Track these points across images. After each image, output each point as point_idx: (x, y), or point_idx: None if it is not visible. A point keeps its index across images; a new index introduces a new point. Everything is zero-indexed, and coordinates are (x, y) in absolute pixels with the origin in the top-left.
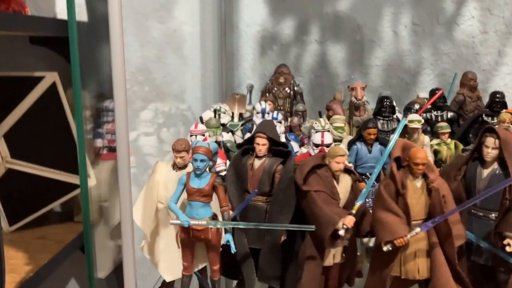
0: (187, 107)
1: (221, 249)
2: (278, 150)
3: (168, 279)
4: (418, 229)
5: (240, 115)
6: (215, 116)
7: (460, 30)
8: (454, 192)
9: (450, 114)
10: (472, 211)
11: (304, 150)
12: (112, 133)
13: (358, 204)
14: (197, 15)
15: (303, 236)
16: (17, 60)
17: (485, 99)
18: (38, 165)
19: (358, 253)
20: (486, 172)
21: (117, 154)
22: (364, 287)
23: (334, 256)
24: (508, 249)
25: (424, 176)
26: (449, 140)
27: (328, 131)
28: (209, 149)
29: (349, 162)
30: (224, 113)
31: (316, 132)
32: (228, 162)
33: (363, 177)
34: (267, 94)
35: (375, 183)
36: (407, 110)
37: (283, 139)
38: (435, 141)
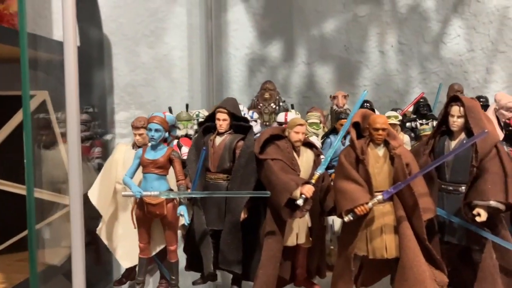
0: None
1: (180, 231)
2: (239, 125)
3: (125, 266)
4: (379, 196)
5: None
6: (187, 110)
7: (447, 48)
8: (422, 167)
9: (435, 123)
10: (442, 186)
11: None
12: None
13: (318, 173)
14: (187, 40)
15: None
16: (10, 84)
17: None
18: (23, 184)
19: (332, 247)
20: (454, 143)
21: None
22: (333, 271)
23: (297, 235)
24: (478, 219)
25: (386, 144)
26: None
27: None
28: (165, 119)
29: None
30: (203, 118)
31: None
32: None
33: None
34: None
35: None
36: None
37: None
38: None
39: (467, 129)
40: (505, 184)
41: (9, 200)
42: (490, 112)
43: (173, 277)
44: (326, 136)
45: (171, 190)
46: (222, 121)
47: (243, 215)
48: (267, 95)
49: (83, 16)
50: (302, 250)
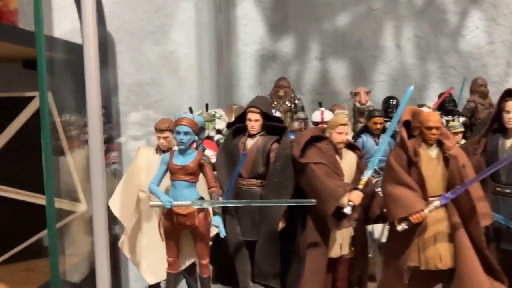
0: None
1: (211, 243)
2: (273, 126)
3: (151, 282)
4: (437, 203)
5: None
6: (207, 110)
7: (465, 41)
8: (474, 168)
9: (462, 119)
10: (498, 189)
11: None
12: None
13: (365, 178)
14: (194, 36)
15: (304, 225)
16: (10, 84)
17: None
18: (26, 190)
19: (370, 255)
20: (509, 142)
21: (89, 142)
22: (379, 284)
23: (341, 246)
24: None
25: (439, 144)
26: (462, 141)
27: None
28: (194, 121)
29: None
30: (220, 118)
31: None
32: None
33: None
34: None
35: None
36: None
37: None
38: None
39: None
40: None
41: (8, 207)
42: None
43: None
44: (357, 135)
45: (202, 198)
46: (254, 121)
47: (281, 225)
48: (281, 93)
49: None
50: (344, 261)
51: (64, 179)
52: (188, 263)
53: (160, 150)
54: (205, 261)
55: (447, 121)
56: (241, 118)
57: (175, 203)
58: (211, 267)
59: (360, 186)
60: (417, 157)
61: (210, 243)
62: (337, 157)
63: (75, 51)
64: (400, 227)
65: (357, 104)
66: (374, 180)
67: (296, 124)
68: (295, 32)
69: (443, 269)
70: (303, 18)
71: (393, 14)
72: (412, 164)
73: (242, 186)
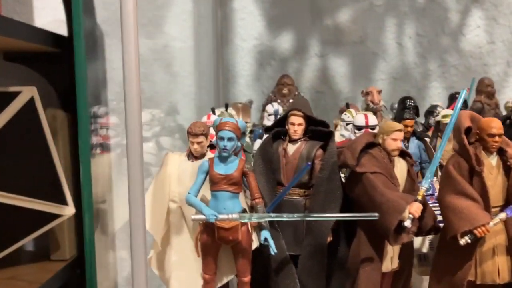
0: (177, 127)
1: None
2: (316, 131)
3: None
4: (502, 215)
5: None
6: (226, 110)
7: (466, 40)
8: None
9: None
10: None
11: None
12: (107, 127)
13: (423, 188)
14: (189, 30)
15: (348, 237)
16: None
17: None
18: (8, 192)
19: None
20: None
21: (127, 139)
22: None
23: (391, 260)
24: None
25: (500, 152)
26: None
27: None
28: (238, 125)
29: None
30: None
31: (347, 124)
32: None
33: None
34: None
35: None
36: (429, 113)
37: None
38: None
39: None
40: None
41: None
42: None
43: None
44: None
45: (245, 210)
46: (298, 126)
47: (329, 238)
48: (285, 91)
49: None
50: (389, 274)
51: (49, 179)
52: (225, 280)
53: (192, 156)
54: (247, 278)
55: None
56: (280, 121)
57: (220, 216)
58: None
59: (419, 197)
60: (480, 166)
61: None
62: (391, 165)
63: (59, 42)
64: (463, 241)
65: (370, 104)
66: None
67: None
68: (295, 28)
69: (500, 283)
70: (303, 13)
71: (395, 11)
72: (474, 174)
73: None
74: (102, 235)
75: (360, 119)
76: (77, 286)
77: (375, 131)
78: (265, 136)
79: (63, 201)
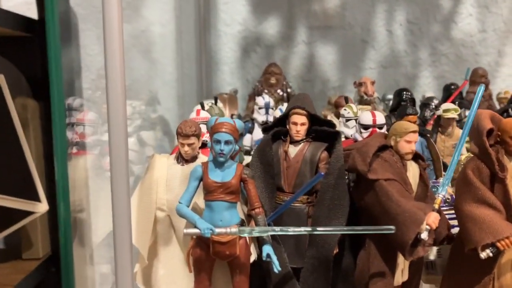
0: (158, 119)
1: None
2: (321, 131)
3: None
4: None
5: (231, 116)
6: (215, 104)
7: (458, 28)
8: None
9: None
10: None
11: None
12: (84, 124)
13: (440, 196)
14: (169, 14)
15: (354, 249)
16: None
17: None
18: None
19: None
20: None
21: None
22: None
23: (402, 272)
24: None
25: None
26: None
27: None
28: (236, 127)
29: None
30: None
31: (347, 120)
32: None
33: None
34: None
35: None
36: (425, 106)
37: None
38: None
39: None
40: None
41: None
42: None
43: None
44: None
45: (243, 222)
46: (301, 126)
47: (335, 250)
48: (273, 80)
49: None
50: (397, 286)
51: (19, 174)
52: None
53: (182, 159)
54: None
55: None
56: (281, 120)
57: (217, 230)
58: None
59: (436, 206)
60: (504, 172)
61: None
62: (404, 170)
63: (29, 26)
64: (485, 254)
65: (363, 96)
66: None
67: None
68: (281, 13)
69: None
70: None
71: None
72: (496, 180)
73: (283, 202)
74: (80, 247)
75: (366, 117)
76: (53, 284)
77: (383, 130)
78: (263, 136)
79: (35, 198)
